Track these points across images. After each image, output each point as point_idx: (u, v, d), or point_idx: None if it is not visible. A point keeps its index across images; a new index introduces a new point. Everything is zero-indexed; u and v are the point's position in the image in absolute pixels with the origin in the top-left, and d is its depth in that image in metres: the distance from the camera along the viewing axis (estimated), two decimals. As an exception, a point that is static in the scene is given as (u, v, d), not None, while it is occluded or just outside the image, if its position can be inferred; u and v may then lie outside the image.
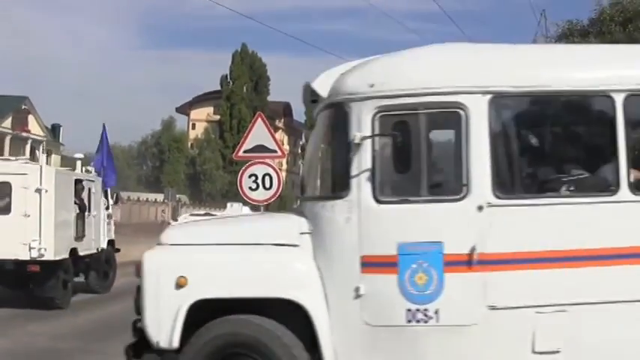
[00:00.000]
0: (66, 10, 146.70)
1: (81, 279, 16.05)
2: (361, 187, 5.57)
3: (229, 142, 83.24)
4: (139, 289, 5.95)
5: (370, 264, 5.56)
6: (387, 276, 5.51)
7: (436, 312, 5.49)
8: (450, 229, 5.48)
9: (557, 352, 5.48)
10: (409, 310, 5.49)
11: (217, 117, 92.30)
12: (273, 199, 13.39)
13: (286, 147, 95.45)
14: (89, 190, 16.11)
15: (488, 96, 5.57)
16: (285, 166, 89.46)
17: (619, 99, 5.55)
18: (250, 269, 5.81)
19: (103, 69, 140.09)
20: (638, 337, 5.48)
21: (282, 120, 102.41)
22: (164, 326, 5.72)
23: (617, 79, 5.62)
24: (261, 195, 13.03)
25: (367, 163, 5.59)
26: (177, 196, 67.70)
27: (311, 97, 6.25)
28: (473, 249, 5.43)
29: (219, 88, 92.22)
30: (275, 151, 13.40)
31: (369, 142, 5.60)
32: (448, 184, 5.72)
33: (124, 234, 26.81)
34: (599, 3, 17.64)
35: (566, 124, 6.28)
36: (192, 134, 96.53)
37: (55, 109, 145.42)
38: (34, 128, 67.91)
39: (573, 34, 17.40)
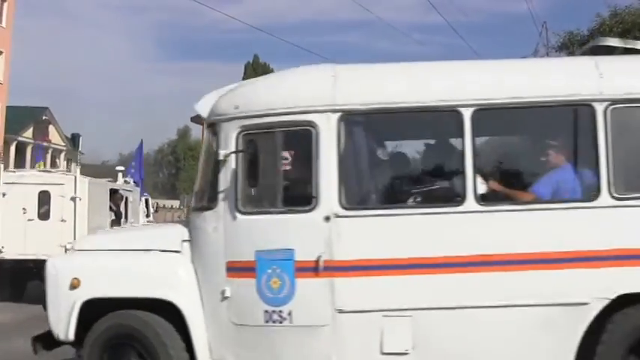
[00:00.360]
0: (85, 23, 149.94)
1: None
2: (226, 199, 6.14)
3: None
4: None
5: (233, 269, 6.11)
6: (247, 280, 6.04)
7: (289, 313, 5.99)
8: (300, 237, 5.96)
9: (406, 353, 5.89)
10: (266, 311, 6.01)
11: None
12: None
13: None
14: (126, 198, 17.28)
15: (337, 114, 6.03)
16: None
17: (467, 113, 5.90)
18: (135, 272, 6.47)
19: (121, 80, 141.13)
20: (482, 339, 5.87)
21: None
22: (62, 321, 6.46)
23: (465, 93, 5.97)
24: None
25: (231, 177, 6.14)
26: (193, 202, 69.11)
27: (196, 117, 6.87)
28: (320, 256, 5.90)
29: None
30: (287, 159, 13.25)
31: (232, 158, 6.15)
32: (300, 196, 6.13)
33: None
34: (599, 14, 17.92)
35: (414, 138, 6.78)
36: None
37: (74, 119, 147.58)
38: (55, 138, 69.02)
39: (574, 44, 17.72)
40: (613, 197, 5.77)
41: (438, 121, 6.29)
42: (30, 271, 14.40)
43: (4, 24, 52.41)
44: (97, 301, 6.43)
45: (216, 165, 6.26)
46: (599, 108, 5.89)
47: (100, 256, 6.71)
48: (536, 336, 5.79)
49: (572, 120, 6.17)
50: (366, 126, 6.25)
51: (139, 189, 17.71)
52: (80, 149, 74.53)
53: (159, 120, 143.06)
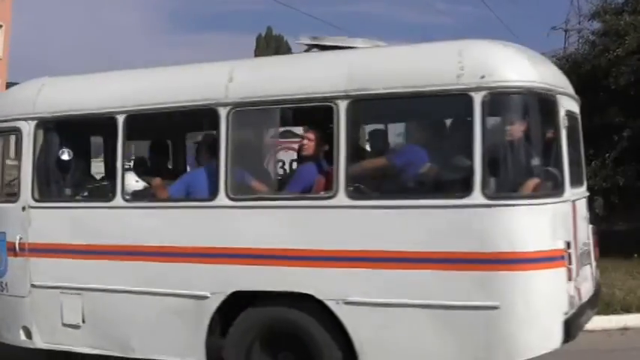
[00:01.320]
0: None
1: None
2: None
3: None
4: None
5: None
6: None
7: (6, 284, 7.49)
8: (10, 223, 7.38)
9: (78, 326, 7.08)
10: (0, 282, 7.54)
11: None
12: None
13: None
14: None
15: (34, 121, 7.30)
16: None
17: (120, 119, 6.77)
18: None
19: (128, 53, 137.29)
20: (131, 321, 6.82)
21: None
22: None
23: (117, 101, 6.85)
24: None
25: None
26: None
27: None
28: (20, 239, 7.29)
29: None
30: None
31: None
32: (14, 190, 7.51)
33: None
34: (634, -21, 16.80)
35: (87, 144, 8.07)
36: None
37: None
38: None
39: (607, 12, 16.86)
40: (229, 198, 6.35)
41: (105, 127, 7.32)
42: None
43: None
44: None
45: None
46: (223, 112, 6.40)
47: None
48: (173, 323, 6.58)
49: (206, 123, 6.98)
50: (55, 131, 7.40)
51: None
52: None
53: None
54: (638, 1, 15.65)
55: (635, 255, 14.03)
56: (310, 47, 7.03)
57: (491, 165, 5.62)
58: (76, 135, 7.54)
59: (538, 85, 5.85)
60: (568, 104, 6.60)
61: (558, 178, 5.96)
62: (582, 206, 6.91)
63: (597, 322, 10.03)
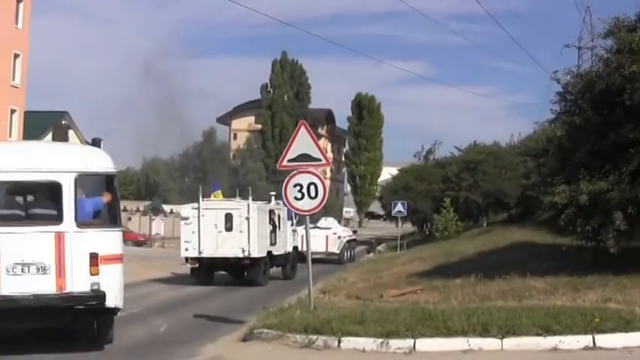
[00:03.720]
0: (105, 21, 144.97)
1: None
2: None
3: (272, 151, 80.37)
4: None
5: None
6: None
7: None
8: None
9: None
10: None
11: (259, 126, 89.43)
12: (319, 208, 13.63)
13: (329, 154, 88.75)
14: (279, 215, 25.76)
15: None
16: (328, 174, 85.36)
17: None
18: None
19: (143, 80, 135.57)
20: None
21: (325, 127, 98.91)
22: None
23: None
24: (306, 204, 13.26)
25: None
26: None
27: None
28: None
29: (259, 97, 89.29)
30: (320, 160, 13.49)
31: None
32: None
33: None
34: (645, -4, 16.83)
35: None
36: (233, 145, 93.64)
37: (95, 122, 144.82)
38: (75, 143, 63.54)
39: (621, 29, 16.92)
40: None
41: None
42: (218, 265, 23.71)
43: (20, 25, 48.14)
44: None
45: None
46: None
47: None
48: None
49: None
50: None
51: (286, 207, 21.87)
52: None
53: (183, 122, 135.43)
54: (650, 17, 15.69)
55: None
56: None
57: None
58: None
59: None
60: None
61: None
62: None
63: (618, 340, 10.07)
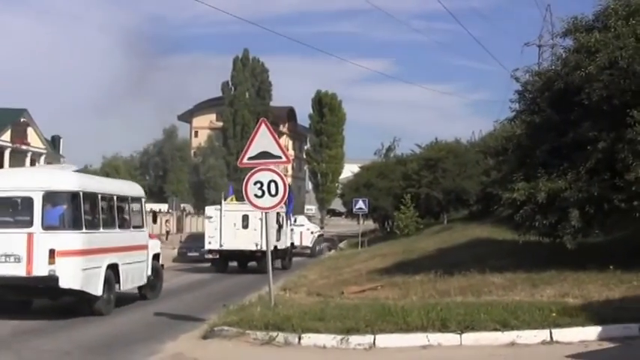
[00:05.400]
0: (64, 17, 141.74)
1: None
2: None
3: (233, 149, 79.38)
4: None
5: None
6: None
7: None
8: None
9: None
10: None
11: (220, 124, 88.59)
12: (279, 206, 13.84)
13: (291, 152, 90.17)
14: (282, 216, 30.54)
15: None
16: (290, 172, 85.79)
17: None
18: None
19: (103, 78, 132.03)
20: None
21: (287, 125, 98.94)
22: None
23: None
24: (267, 202, 13.35)
25: None
26: (182, 205, 67.07)
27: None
28: None
29: (220, 94, 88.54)
30: (280, 157, 13.60)
31: None
32: None
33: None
34: (604, -4, 17.03)
35: None
36: (195, 142, 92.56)
37: (54, 120, 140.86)
38: (34, 141, 65.74)
39: (579, 30, 17.12)
40: None
41: None
42: (234, 256, 29.22)
43: None
44: None
45: None
46: None
47: None
48: None
49: None
50: None
51: (285, 209, 29.57)
52: (61, 152, 72.25)
53: (143, 119, 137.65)
54: (608, 18, 15.89)
55: (611, 267, 14.25)
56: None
57: None
58: None
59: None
60: None
61: None
62: None
63: (575, 334, 10.24)
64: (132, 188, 18.76)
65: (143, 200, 18.74)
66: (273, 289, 13.70)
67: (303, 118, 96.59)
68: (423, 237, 36.33)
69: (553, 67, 17.91)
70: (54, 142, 71.69)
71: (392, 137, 68.91)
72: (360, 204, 41.86)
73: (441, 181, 42.73)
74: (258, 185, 13.29)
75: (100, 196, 16.02)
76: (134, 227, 17.60)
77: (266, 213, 14.10)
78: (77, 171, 18.32)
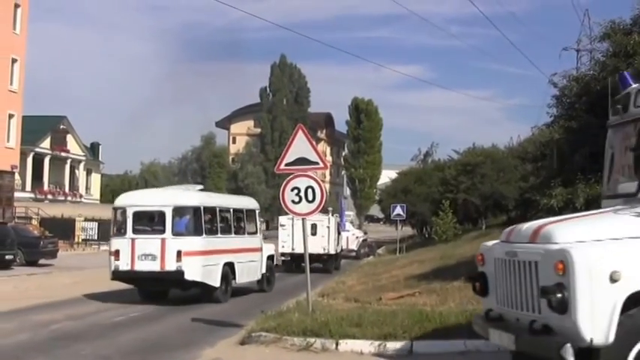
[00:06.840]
0: (104, 26, 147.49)
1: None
2: None
3: (271, 155, 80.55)
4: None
5: None
6: None
7: None
8: None
9: None
10: None
11: (258, 130, 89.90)
12: (317, 212, 13.86)
13: (329, 158, 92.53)
14: (338, 224, 35.51)
15: None
16: (328, 178, 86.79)
17: None
18: None
19: (140, 85, 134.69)
20: None
21: (324, 131, 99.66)
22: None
23: None
24: (304, 208, 13.41)
25: None
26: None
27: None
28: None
29: (258, 100, 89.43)
30: (317, 163, 13.61)
31: None
32: None
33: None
34: (641, 0, 16.79)
35: None
36: (232, 148, 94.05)
37: (94, 127, 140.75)
38: (73, 147, 66.93)
39: (616, 33, 16.98)
40: None
41: None
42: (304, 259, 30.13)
43: (17, 30, 49.54)
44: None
45: None
46: None
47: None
48: None
49: None
50: None
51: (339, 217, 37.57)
52: (100, 159, 73.52)
53: (182, 126, 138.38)
54: (645, 21, 15.75)
55: None
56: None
57: None
58: None
59: None
60: None
61: None
62: None
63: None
64: (248, 202, 23.11)
65: (257, 211, 22.66)
66: (310, 295, 13.75)
67: (341, 124, 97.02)
68: (461, 243, 36.08)
69: (591, 71, 17.76)
70: (93, 149, 72.71)
71: (429, 143, 68.84)
72: (398, 210, 41.76)
73: (479, 186, 42.45)
74: (296, 191, 13.36)
75: (218, 209, 19.78)
76: (249, 233, 21.53)
77: (303, 219, 14.07)
78: (200, 190, 21.86)
